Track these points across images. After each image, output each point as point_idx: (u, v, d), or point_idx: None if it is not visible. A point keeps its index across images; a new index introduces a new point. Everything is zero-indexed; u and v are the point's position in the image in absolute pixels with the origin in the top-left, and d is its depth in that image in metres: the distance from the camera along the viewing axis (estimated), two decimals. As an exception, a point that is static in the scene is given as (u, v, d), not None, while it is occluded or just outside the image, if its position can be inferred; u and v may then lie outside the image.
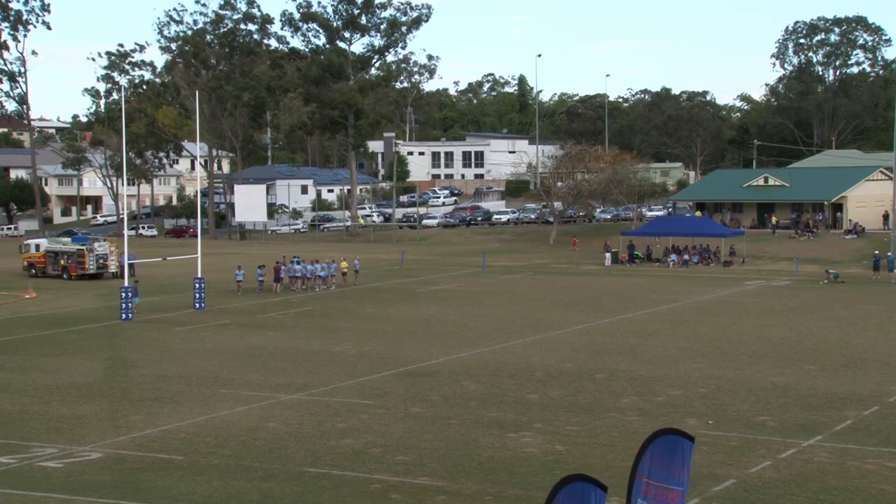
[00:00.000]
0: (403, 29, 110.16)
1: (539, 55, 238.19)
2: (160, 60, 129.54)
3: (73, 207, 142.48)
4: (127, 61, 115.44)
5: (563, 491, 11.58)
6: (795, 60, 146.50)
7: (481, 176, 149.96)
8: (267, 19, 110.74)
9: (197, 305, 51.12)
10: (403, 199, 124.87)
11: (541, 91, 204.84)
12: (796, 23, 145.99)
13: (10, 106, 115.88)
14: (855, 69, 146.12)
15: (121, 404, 29.47)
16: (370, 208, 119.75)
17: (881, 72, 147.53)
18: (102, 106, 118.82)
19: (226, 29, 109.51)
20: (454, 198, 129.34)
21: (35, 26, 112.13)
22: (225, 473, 22.43)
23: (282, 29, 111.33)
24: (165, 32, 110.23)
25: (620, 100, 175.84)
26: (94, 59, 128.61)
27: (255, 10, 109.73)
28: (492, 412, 27.91)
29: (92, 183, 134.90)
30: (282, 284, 58.70)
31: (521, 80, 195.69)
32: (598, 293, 56.79)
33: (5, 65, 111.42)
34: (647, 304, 51.23)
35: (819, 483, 21.41)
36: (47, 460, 23.71)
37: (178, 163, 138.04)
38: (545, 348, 38.29)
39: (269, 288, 58.82)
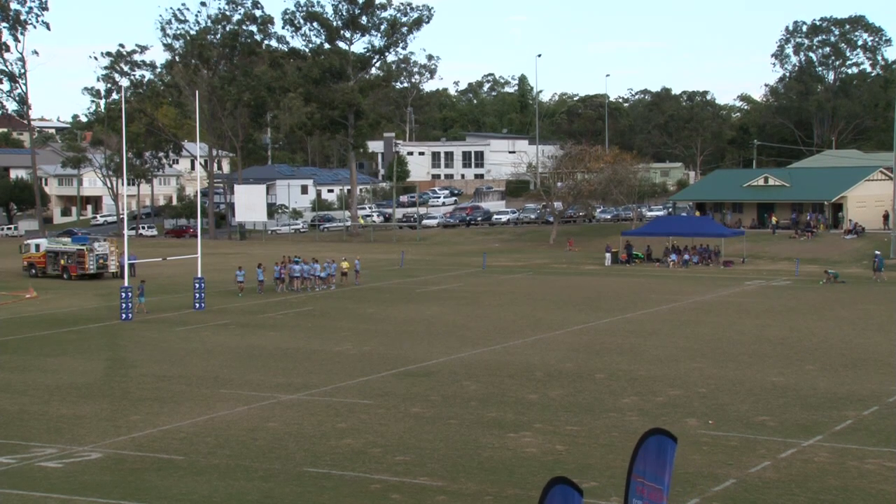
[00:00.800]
0: (404, 30, 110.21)
1: (539, 55, 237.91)
2: (162, 60, 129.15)
3: (73, 207, 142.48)
4: (127, 62, 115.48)
5: (551, 492, 11.72)
6: (795, 60, 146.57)
7: (481, 176, 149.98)
8: (267, 19, 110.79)
9: (197, 305, 51.12)
10: (403, 199, 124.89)
11: (541, 91, 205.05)
12: (796, 23, 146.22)
13: (11, 106, 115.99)
14: (855, 69, 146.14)
15: (121, 404, 29.46)
16: (370, 208, 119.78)
17: (881, 72, 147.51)
18: (102, 106, 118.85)
19: (229, 28, 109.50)
20: (454, 198, 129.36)
21: (34, 26, 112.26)
22: (225, 473, 22.43)
23: (283, 28, 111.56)
24: (168, 31, 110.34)
25: (620, 100, 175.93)
26: (95, 59, 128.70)
27: (257, 11, 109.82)
28: (492, 412, 27.91)
29: (92, 183, 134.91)
30: (282, 285, 58.60)
31: (522, 80, 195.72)
32: (598, 293, 56.79)
33: (5, 65, 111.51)
34: (647, 304, 51.23)
35: (819, 483, 21.41)
36: (47, 460, 23.71)
37: (177, 163, 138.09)
38: (545, 348, 38.29)
39: (270, 287, 58.83)
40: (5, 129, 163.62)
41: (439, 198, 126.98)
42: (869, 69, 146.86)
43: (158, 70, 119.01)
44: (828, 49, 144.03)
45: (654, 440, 12.67)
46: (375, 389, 31.03)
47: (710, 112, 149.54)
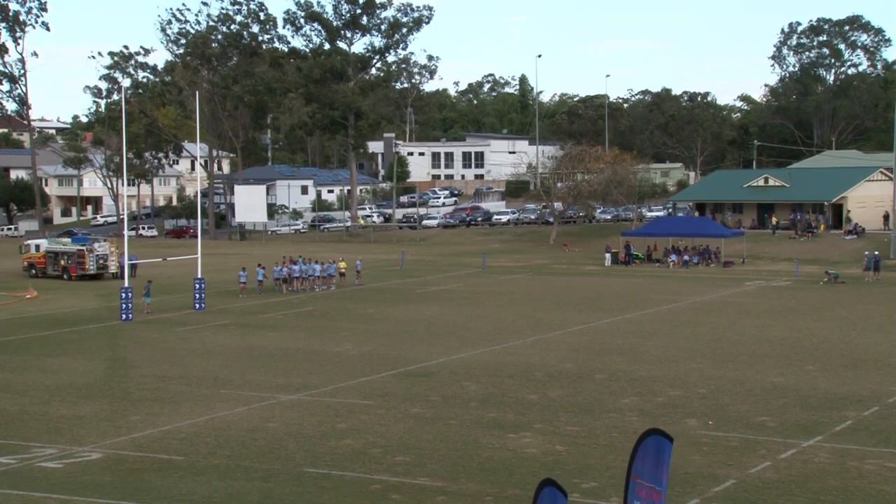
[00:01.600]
0: (404, 30, 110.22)
1: (539, 55, 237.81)
2: (162, 60, 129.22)
3: (73, 208, 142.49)
4: (129, 63, 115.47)
5: (542, 494, 12.54)
6: (793, 61, 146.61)
7: (481, 176, 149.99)
8: (270, 18, 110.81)
9: (197, 306, 51.12)
10: (403, 199, 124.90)
11: (541, 91, 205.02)
12: (791, 24, 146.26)
13: (10, 107, 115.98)
14: (854, 70, 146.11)
15: (121, 404, 29.46)
16: (370, 209, 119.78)
17: (881, 72, 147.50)
18: (103, 106, 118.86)
19: (232, 29, 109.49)
20: (454, 198, 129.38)
21: (34, 27, 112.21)
22: (225, 474, 22.43)
23: (283, 27, 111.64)
24: (168, 31, 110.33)
25: (620, 100, 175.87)
26: (94, 58, 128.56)
27: (261, 13, 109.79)
28: (492, 412, 27.91)
29: (92, 183, 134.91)
30: (285, 286, 58.52)
31: (522, 80, 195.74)
32: (598, 293, 56.79)
33: (5, 66, 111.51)
34: (647, 305, 51.22)
35: (819, 483, 21.40)
36: (47, 460, 23.70)
37: (178, 163, 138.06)
38: (545, 348, 38.29)
39: (269, 287, 58.81)
40: (5, 130, 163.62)
41: (439, 198, 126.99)
42: (869, 69, 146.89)
43: (159, 70, 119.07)
44: (826, 50, 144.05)
45: (651, 440, 12.67)
46: (375, 390, 31.03)
47: (710, 113, 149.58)
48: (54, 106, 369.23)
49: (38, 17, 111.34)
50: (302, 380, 32.74)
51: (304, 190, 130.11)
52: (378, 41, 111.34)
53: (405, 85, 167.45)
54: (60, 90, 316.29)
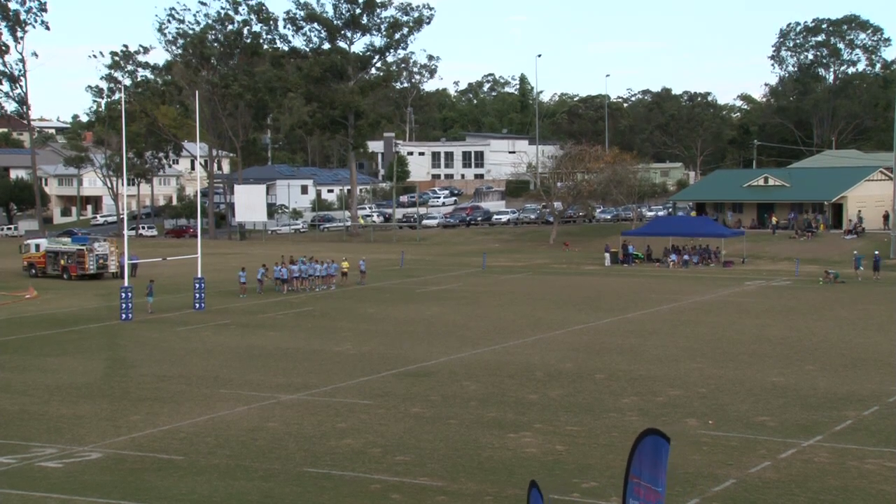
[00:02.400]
0: (405, 30, 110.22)
1: (539, 55, 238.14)
2: (162, 60, 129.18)
3: (73, 207, 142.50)
4: (130, 62, 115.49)
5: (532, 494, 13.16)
6: (792, 61, 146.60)
7: (481, 176, 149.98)
8: (272, 17, 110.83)
9: (197, 305, 51.13)
10: (403, 199, 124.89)
11: (541, 91, 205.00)
12: (790, 24, 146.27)
13: (10, 106, 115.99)
14: (853, 69, 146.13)
15: (121, 404, 29.46)
16: (370, 208, 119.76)
17: (881, 72, 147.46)
18: (103, 105, 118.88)
19: (232, 28, 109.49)
20: (454, 198, 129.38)
21: (34, 27, 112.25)
22: (225, 473, 22.43)
23: (284, 27, 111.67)
24: (166, 31, 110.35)
25: (620, 100, 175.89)
26: (95, 57, 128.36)
27: (259, 12, 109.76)
28: (492, 412, 27.91)
29: (92, 183, 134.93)
30: (285, 286, 58.50)
31: (523, 80, 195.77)
32: (597, 293, 56.79)
33: (5, 66, 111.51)
34: (647, 304, 51.22)
35: (819, 483, 21.40)
36: (47, 460, 23.70)
37: (178, 163, 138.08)
38: (545, 348, 38.29)
39: (269, 287, 58.81)
40: (5, 130, 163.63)
41: (439, 198, 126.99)
42: (868, 69, 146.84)
43: (160, 70, 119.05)
44: (825, 50, 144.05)
45: (649, 440, 12.67)
46: (375, 389, 31.03)
47: (710, 112, 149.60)
48: (54, 106, 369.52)
49: (38, 16, 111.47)
50: (302, 379, 32.74)
51: (304, 190, 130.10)
52: (378, 41, 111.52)
53: (405, 84, 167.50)
54: (60, 90, 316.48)
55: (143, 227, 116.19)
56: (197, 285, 51.29)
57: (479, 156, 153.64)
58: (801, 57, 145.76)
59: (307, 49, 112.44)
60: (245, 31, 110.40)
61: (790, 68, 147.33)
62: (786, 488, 21.04)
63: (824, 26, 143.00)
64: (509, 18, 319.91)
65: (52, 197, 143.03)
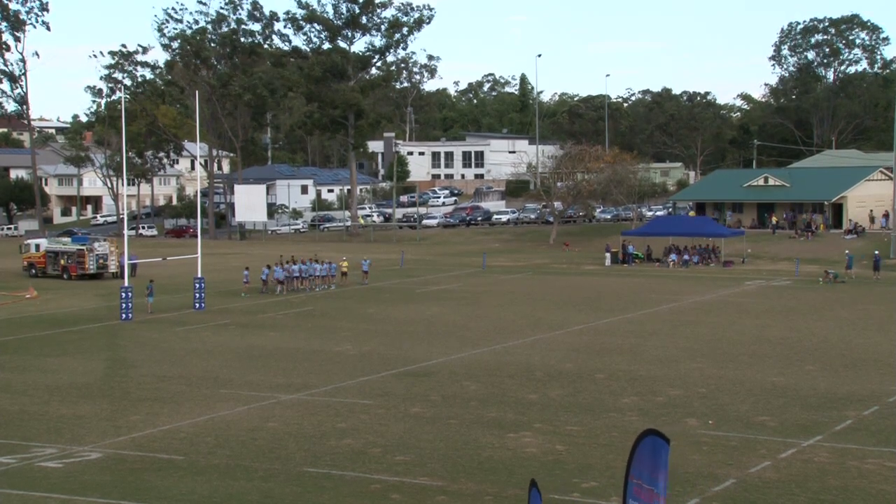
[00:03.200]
0: (405, 30, 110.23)
1: (539, 55, 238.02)
2: (162, 60, 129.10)
3: (73, 207, 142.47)
4: (129, 62, 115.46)
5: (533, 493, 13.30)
6: (793, 61, 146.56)
7: (481, 176, 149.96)
8: (272, 16, 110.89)
9: (197, 305, 51.13)
10: (403, 199, 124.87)
11: (541, 91, 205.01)
12: (791, 24, 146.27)
13: (10, 106, 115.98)
14: (853, 69, 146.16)
15: (121, 404, 29.46)
16: (370, 208, 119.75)
17: (880, 71, 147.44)
18: (103, 105, 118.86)
19: (228, 28, 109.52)
20: (454, 198, 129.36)
21: (34, 27, 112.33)
22: (225, 473, 22.43)
23: (285, 27, 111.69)
24: (165, 31, 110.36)
25: (620, 100, 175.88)
26: (95, 57, 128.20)
27: (257, 13, 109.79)
28: (492, 412, 27.90)
29: (92, 183, 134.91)
30: (282, 286, 58.50)
31: (523, 80, 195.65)
32: (598, 293, 56.78)
33: (5, 66, 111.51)
34: (647, 304, 51.22)
35: (819, 483, 21.40)
36: (47, 460, 23.71)
37: (178, 163, 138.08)
38: (545, 348, 38.29)
39: (272, 288, 58.79)
40: (5, 129, 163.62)
41: (439, 198, 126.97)
42: (868, 69, 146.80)
43: (160, 70, 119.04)
44: (825, 49, 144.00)
45: (648, 441, 12.68)
46: (375, 389, 31.03)
47: (710, 112, 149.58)
48: (54, 106, 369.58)
49: (38, 16, 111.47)
50: (302, 379, 32.74)
51: (304, 189, 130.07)
52: (378, 41, 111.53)
53: (405, 84, 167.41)
54: (60, 90, 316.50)
55: (143, 227, 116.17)
56: (197, 285, 51.30)
57: (479, 156, 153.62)
58: (801, 57, 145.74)
59: (307, 49, 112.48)
60: (242, 30, 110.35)
61: (790, 68, 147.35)
62: (786, 488, 21.05)
63: (822, 26, 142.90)
64: (509, 18, 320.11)
65: (52, 197, 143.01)
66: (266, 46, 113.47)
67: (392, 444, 24.57)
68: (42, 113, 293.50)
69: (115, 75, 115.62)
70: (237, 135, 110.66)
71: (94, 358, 37.66)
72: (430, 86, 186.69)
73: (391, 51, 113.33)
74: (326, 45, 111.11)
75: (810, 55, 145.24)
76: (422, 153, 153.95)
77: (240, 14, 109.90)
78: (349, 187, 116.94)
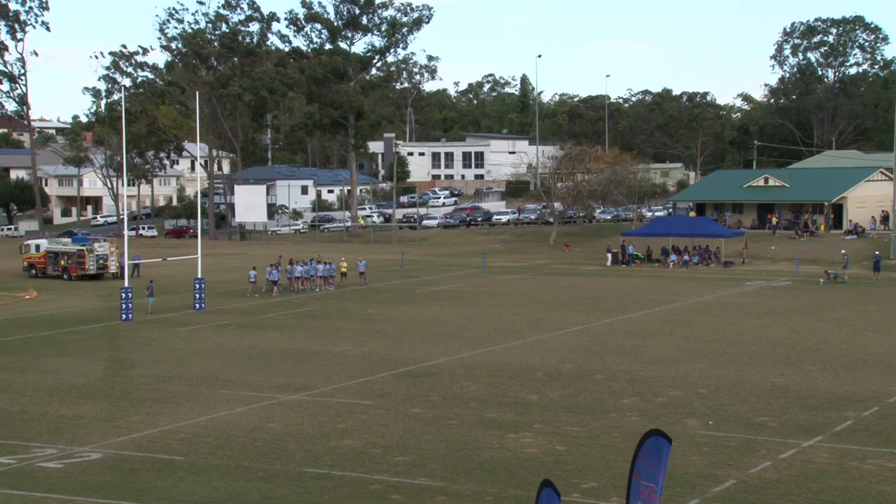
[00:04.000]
0: (405, 30, 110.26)
1: (539, 55, 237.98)
2: (162, 61, 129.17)
3: (74, 208, 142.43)
4: (129, 62, 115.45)
5: (542, 494, 13.17)
6: (794, 61, 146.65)
7: (481, 176, 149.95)
8: (272, 16, 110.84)
9: (197, 306, 51.13)
10: (403, 199, 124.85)
11: (541, 92, 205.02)
12: (793, 24, 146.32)
13: (10, 106, 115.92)
14: (854, 69, 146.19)
15: (121, 405, 29.47)
16: (370, 209, 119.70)
17: (881, 72, 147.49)
18: (103, 106, 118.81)
19: (227, 29, 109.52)
20: (454, 198, 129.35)
21: (34, 27, 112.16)
22: (225, 474, 22.43)
23: (286, 27, 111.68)
24: (166, 31, 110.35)
25: (620, 100, 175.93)
26: (96, 58, 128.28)
27: (256, 14, 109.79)
28: (492, 412, 27.91)
29: (92, 183, 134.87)
30: (276, 288, 58.47)
31: (524, 80, 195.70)
32: (598, 294, 56.79)
33: (5, 66, 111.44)
34: (647, 305, 51.22)
35: (819, 484, 21.41)
36: (47, 461, 23.71)
37: (178, 163, 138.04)
38: (545, 349, 38.29)
39: (284, 287, 58.74)
40: (5, 130, 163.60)
41: (439, 198, 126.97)
42: (868, 69, 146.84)
43: (160, 70, 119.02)
44: (826, 49, 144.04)
45: (652, 441, 12.71)
46: (375, 390, 31.03)
47: (710, 113, 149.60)
48: (54, 106, 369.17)
49: (38, 16, 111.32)
50: (302, 380, 32.74)
51: (304, 190, 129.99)
52: (378, 41, 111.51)
53: (405, 85, 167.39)
54: (60, 90, 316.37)
55: (144, 228, 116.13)
56: (197, 286, 51.30)
57: (480, 156, 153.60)
58: (802, 57, 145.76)
59: (308, 49, 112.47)
60: (241, 30, 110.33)
61: (791, 68, 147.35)
62: (786, 489, 21.05)
63: (821, 26, 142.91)
64: (509, 19, 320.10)
65: (52, 197, 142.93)
66: (266, 46, 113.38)
67: (392, 445, 24.58)
68: (42, 113, 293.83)
69: (114, 76, 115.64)
70: (237, 135, 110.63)
71: (95, 358, 37.66)
72: (430, 86, 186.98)
73: (391, 51, 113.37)
74: (327, 46, 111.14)
75: (811, 55, 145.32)
76: (422, 154, 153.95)
77: (239, 14, 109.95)
78: (349, 188, 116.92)
